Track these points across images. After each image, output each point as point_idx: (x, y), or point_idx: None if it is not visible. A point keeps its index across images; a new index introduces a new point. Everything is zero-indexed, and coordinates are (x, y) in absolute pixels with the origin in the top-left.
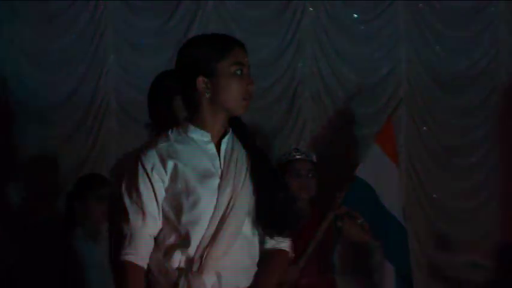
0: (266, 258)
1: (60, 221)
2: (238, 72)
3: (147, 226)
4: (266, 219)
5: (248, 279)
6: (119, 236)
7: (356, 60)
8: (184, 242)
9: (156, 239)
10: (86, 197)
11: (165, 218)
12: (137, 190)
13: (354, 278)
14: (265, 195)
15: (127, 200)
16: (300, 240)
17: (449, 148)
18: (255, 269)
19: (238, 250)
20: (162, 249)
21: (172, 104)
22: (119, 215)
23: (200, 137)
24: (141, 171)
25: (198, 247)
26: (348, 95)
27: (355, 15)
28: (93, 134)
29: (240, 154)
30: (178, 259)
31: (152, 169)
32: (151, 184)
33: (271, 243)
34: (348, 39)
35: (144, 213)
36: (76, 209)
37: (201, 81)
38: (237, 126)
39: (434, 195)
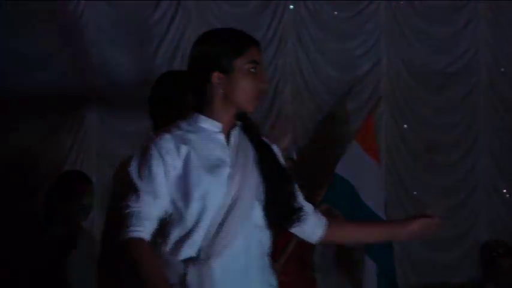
0: (339, 225)
1: (40, 218)
2: (253, 70)
3: (156, 207)
4: (273, 210)
5: (258, 266)
6: (123, 216)
7: (337, 57)
8: (191, 230)
9: (159, 230)
10: (66, 195)
11: (173, 206)
12: (150, 171)
13: (334, 276)
14: (273, 187)
15: (138, 180)
16: (280, 238)
17: (429, 145)
18: (266, 256)
19: (246, 237)
20: (167, 241)
21: (184, 100)
22: (122, 201)
23: (211, 126)
24: (155, 153)
25: (205, 235)
26: (328, 92)
27: (336, 13)
28: (74, 131)
29: (247, 147)
30: (184, 248)
31: (166, 153)
32: (164, 167)
33: (321, 223)
34: (329, 37)
35: (155, 193)
36: (56, 207)
37: (216, 76)
38: (244, 121)
39: (414, 193)
